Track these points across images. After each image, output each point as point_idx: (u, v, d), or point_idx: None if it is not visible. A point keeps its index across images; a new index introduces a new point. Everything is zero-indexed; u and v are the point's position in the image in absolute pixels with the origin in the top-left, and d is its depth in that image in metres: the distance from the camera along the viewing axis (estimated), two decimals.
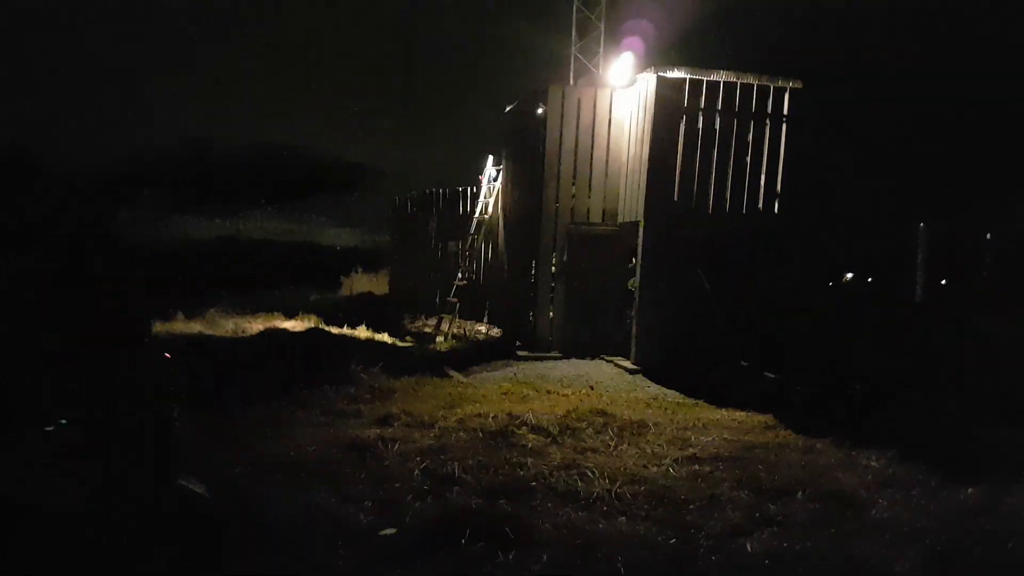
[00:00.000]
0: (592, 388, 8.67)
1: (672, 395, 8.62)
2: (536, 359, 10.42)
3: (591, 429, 6.38)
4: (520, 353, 10.57)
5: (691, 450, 5.89)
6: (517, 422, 6.36)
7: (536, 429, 6.19)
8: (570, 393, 8.24)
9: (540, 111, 10.74)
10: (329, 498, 4.52)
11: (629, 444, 6.07)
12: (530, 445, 5.74)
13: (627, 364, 9.93)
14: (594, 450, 5.82)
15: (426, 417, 6.60)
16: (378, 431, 6.08)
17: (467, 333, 13.64)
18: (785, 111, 9.80)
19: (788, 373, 9.87)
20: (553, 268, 10.89)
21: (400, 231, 16.80)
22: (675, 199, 9.72)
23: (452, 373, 9.47)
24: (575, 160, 10.59)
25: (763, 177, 9.87)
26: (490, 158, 13.35)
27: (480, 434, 5.99)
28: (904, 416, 7.62)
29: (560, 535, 4.02)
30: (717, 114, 9.71)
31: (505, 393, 8.03)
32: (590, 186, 10.67)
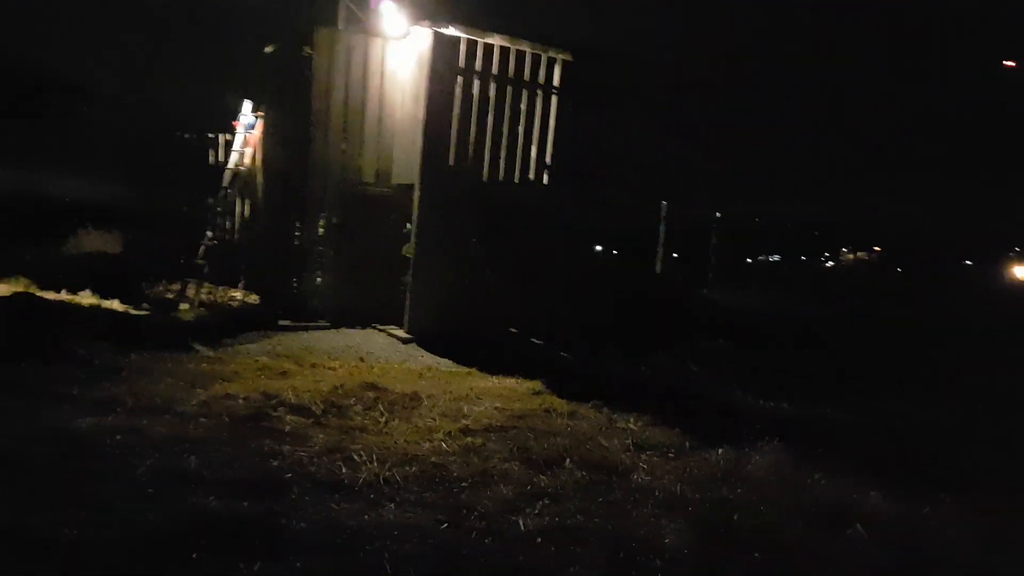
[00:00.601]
0: (363, 360, 8.14)
1: (446, 364, 8.42)
2: (301, 329, 9.58)
3: (360, 405, 5.89)
4: (282, 323, 9.64)
5: (464, 422, 5.68)
6: (274, 402, 5.65)
7: (296, 409, 5.54)
8: (338, 366, 7.63)
9: (307, 55, 9.72)
10: (26, 508, 3.53)
11: (401, 419, 5.70)
12: (288, 429, 5.09)
13: (401, 333, 9.53)
14: (362, 429, 5.35)
15: (160, 400, 5.59)
16: (95, 420, 4.98)
17: (219, 300, 12.19)
18: (556, 83, 9.94)
19: (552, 339, 10.24)
20: (321, 230, 10.05)
21: (146, 183, 14.54)
22: (450, 163, 9.43)
23: (198, 347, 8.31)
24: (346, 114, 9.80)
25: (534, 148, 9.95)
26: (247, 103, 11.91)
27: (227, 419, 5.19)
28: (656, 379, 8.23)
29: (318, 535, 3.51)
30: (492, 79, 9.54)
31: (262, 369, 7.18)
32: (362, 143, 9.96)
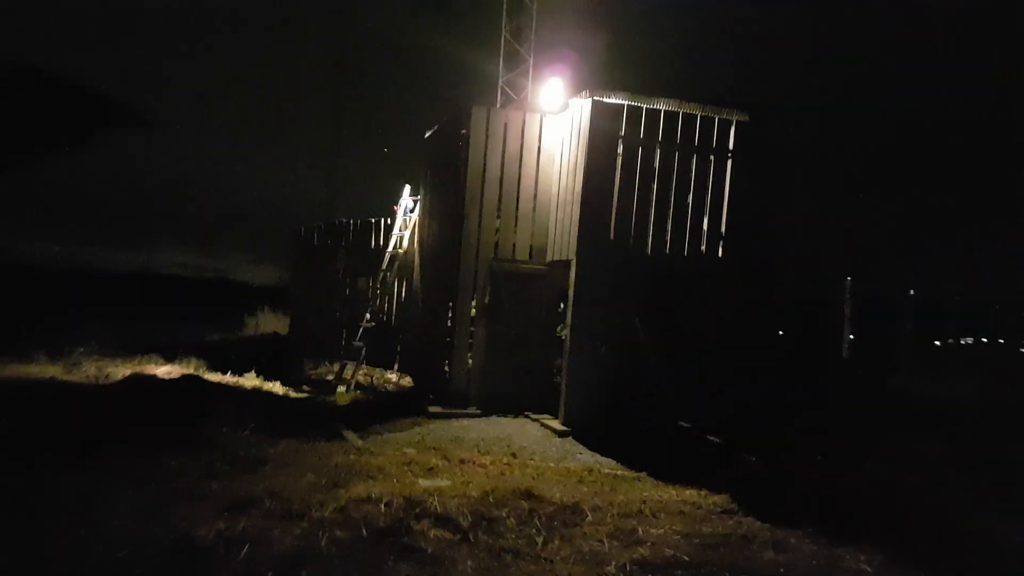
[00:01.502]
0: (515, 456, 7.29)
1: (608, 464, 7.34)
2: (450, 416, 8.97)
3: (513, 518, 4.98)
4: (432, 409, 9.09)
5: (640, 550, 4.58)
6: (417, 510, 4.89)
7: (441, 521, 4.73)
8: (488, 463, 6.83)
9: (462, 134, 9.52)
10: None
11: (561, 540, 4.71)
12: (431, 550, 4.28)
13: (555, 424, 8.61)
14: (516, 552, 4.42)
15: (297, 502, 5.03)
16: (224, 525, 4.48)
17: (375, 382, 12.05)
18: (730, 146, 8.94)
19: (731, 435, 8.83)
20: (473, 311, 9.55)
21: (304, 265, 15.12)
22: (611, 237, 8.63)
23: (348, 434, 7.89)
24: (500, 190, 9.39)
25: (706, 217, 8.92)
26: (407, 188, 12.02)
27: (365, 531, 4.49)
28: (877, 496, 6.60)
29: None
30: (657, 146, 8.74)
31: (408, 463, 6.53)
32: (516, 219, 9.47)
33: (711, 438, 8.92)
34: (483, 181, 9.33)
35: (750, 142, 8.98)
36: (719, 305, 8.95)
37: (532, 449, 7.70)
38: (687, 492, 6.39)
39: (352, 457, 6.75)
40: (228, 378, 11.52)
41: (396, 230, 11.99)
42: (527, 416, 9.22)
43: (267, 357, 13.88)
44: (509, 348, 9.51)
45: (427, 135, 11.36)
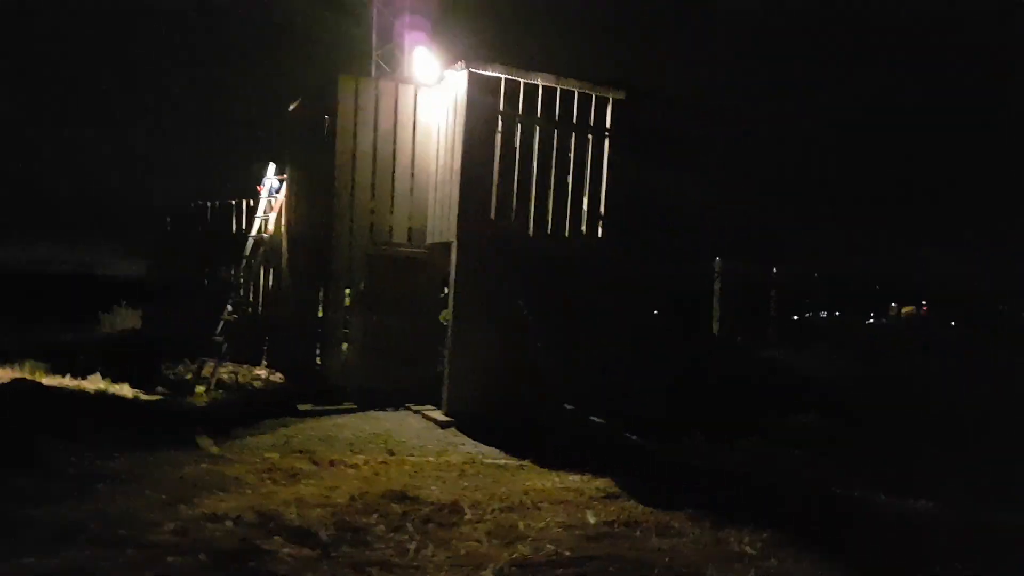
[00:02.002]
0: (392, 453, 6.76)
1: (492, 454, 6.98)
2: (323, 413, 8.29)
3: (383, 525, 4.49)
4: (302, 407, 8.37)
5: (520, 547, 4.22)
6: (271, 525, 4.29)
7: (298, 536, 4.16)
8: (361, 462, 6.27)
9: (330, 106, 8.79)
10: None
11: (436, 544, 4.27)
12: (283, 571, 3.70)
13: (438, 415, 8.16)
14: (384, 564, 3.93)
15: (129, 527, 4.27)
16: (39, 559, 3.69)
17: (240, 380, 11.05)
18: (607, 124, 8.78)
19: (613, 416, 8.75)
20: (348, 299, 8.88)
21: (160, 254, 13.72)
22: (492, 217, 8.24)
23: (202, 440, 7.05)
24: (374, 167, 8.76)
25: (586, 196, 8.73)
26: (271, 166, 11.07)
27: (205, 555, 3.83)
28: (756, 473, 6.63)
29: None
30: (536, 122, 8.43)
31: (269, 471, 5.85)
32: (393, 200, 8.88)
33: (594, 419, 8.80)
34: (354, 158, 8.65)
35: (627, 121, 8.86)
36: (600, 286, 8.81)
37: (412, 444, 7.20)
38: (570, 478, 6.16)
39: (204, 467, 5.97)
40: (68, 381, 10.18)
41: (260, 212, 11.02)
42: (408, 408, 8.71)
43: (118, 357, 12.49)
44: (389, 338, 8.94)
45: (291, 108, 10.48)
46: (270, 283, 11.71)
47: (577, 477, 6.17)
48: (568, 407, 9.16)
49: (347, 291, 8.87)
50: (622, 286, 8.96)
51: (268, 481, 5.56)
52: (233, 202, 12.05)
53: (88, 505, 4.74)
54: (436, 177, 8.75)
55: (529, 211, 8.41)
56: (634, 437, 7.85)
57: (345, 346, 8.86)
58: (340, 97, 8.61)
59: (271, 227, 11.11)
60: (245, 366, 12.07)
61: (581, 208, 8.71)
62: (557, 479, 6.13)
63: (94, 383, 10.39)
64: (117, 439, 6.72)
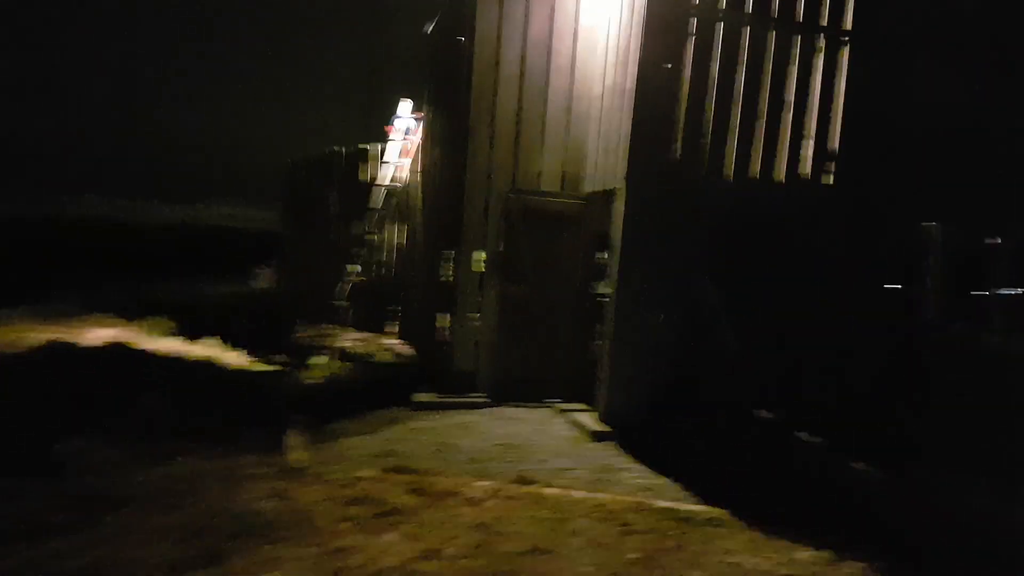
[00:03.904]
0: (526, 481, 4.83)
1: (668, 491, 4.84)
2: (445, 407, 6.58)
3: None
4: (420, 398, 6.71)
5: None
6: None
7: None
8: (483, 495, 4.42)
9: (467, 16, 6.86)
10: None
11: None
12: None
13: (591, 421, 6.14)
14: None
15: None
16: None
17: (369, 352, 9.72)
18: (848, 24, 6.11)
19: (826, 432, 6.28)
20: (483, 264, 7.05)
21: (293, 208, 12.79)
22: (676, 156, 5.96)
23: (291, 439, 5.56)
24: (520, 94, 6.75)
25: (813, 126, 6.16)
26: (406, 103, 9.46)
27: None
28: None
29: None
30: (744, 22, 5.96)
31: (357, 501, 4.17)
32: (543, 136, 6.85)
33: (804, 437, 6.35)
34: (496, 81, 6.70)
35: (877, 20, 6.13)
36: (824, 256, 6.27)
37: (554, 464, 5.24)
38: (797, 555, 3.92)
39: (275, 486, 4.41)
40: (178, 345, 9.35)
41: (390, 157, 9.48)
42: (552, 406, 6.79)
43: (246, 317, 11.72)
44: (531, 314, 7.02)
45: (427, 29, 8.71)
46: (405, 242, 10.23)
47: (808, 553, 3.93)
48: (765, 415, 6.78)
49: (483, 255, 7.03)
50: (851, 259, 6.35)
51: (347, 523, 3.85)
52: (367, 147, 10.63)
53: (82, 555, 3.29)
54: (601, 103, 6.57)
55: (728, 148, 6.02)
56: (864, 466, 5.37)
57: (478, 324, 7.05)
58: (481, 5, 6.64)
59: (405, 174, 9.56)
60: (376, 334, 10.80)
61: (804, 144, 6.16)
62: (775, 555, 3.91)
63: (207, 347, 9.50)
64: (190, 430, 5.40)
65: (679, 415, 6.24)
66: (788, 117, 6.06)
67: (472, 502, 4.31)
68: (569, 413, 6.48)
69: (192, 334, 10.05)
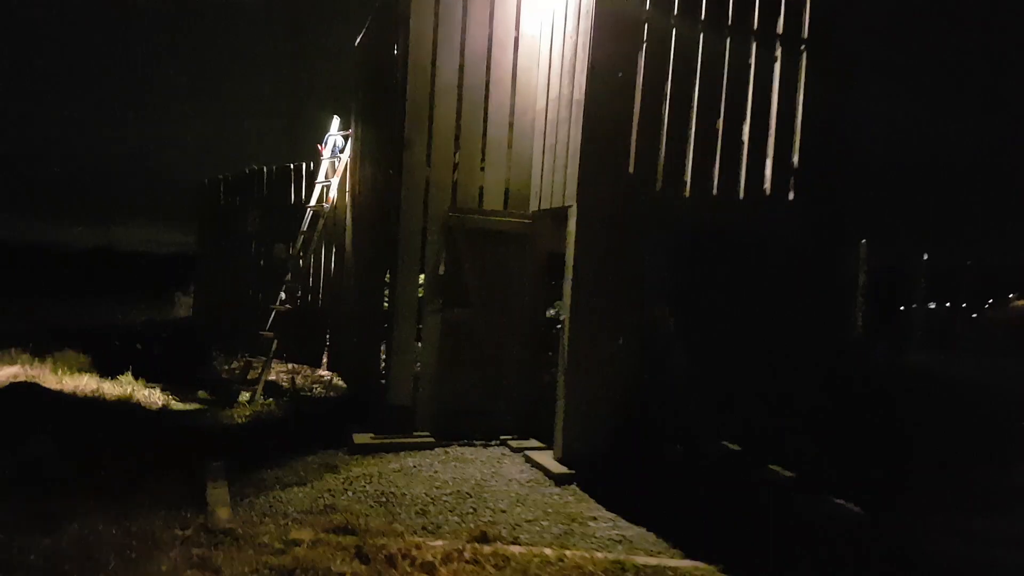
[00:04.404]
0: (486, 538, 4.25)
1: (645, 543, 4.36)
2: (386, 449, 5.93)
3: None
4: (359, 439, 6.03)
5: None
6: None
7: None
8: (437, 558, 3.82)
9: (402, 23, 6.33)
10: None
11: None
12: None
13: (548, 460, 5.63)
14: None
15: None
16: None
17: (298, 385, 8.96)
18: (805, 32, 5.93)
19: (799, 464, 6.00)
20: (421, 288, 6.47)
21: (210, 229, 11.83)
22: (629, 171, 5.58)
23: (213, 492, 4.81)
24: (459, 105, 6.25)
25: (771, 140, 5.92)
26: (335, 119, 8.82)
27: None
28: None
29: None
30: (699, 31, 5.68)
31: (291, 572, 3.51)
32: (484, 150, 6.36)
33: (777, 470, 6.04)
34: (432, 91, 6.17)
35: (833, 26, 5.98)
36: (786, 277, 6.02)
37: (515, 515, 4.69)
38: None
39: (193, 554, 3.70)
40: (91, 383, 8.34)
41: (321, 177, 8.81)
42: (504, 444, 6.24)
43: (170, 347, 10.71)
44: (475, 342, 6.48)
45: (358, 41, 8.12)
46: (331, 266, 9.52)
47: None
48: (731, 447, 6.47)
49: (421, 278, 6.46)
50: (814, 277, 6.13)
51: None
52: (291, 166, 9.89)
53: None
54: (546, 116, 6.15)
55: (685, 164, 5.70)
56: (854, 508, 5.07)
57: (416, 352, 6.46)
58: (415, 10, 6.12)
59: (333, 195, 8.88)
60: (305, 366, 10.02)
61: (763, 159, 5.91)
62: None
63: (121, 385, 8.52)
64: (81, 490, 4.59)
65: (641, 449, 5.83)
66: (746, 129, 5.79)
67: (428, 569, 3.72)
68: (523, 451, 5.95)
69: (106, 370, 9.07)
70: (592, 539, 4.40)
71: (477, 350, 6.47)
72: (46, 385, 7.74)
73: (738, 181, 5.85)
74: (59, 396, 7.38)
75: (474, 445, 6.19)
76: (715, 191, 5.71)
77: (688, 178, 5.73)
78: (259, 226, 10.44)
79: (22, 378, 8.27)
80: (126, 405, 7.56)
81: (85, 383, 8.27)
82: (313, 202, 8.93)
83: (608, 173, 5.50)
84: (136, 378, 8.86)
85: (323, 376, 9.51)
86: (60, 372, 8.86)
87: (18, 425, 5.92)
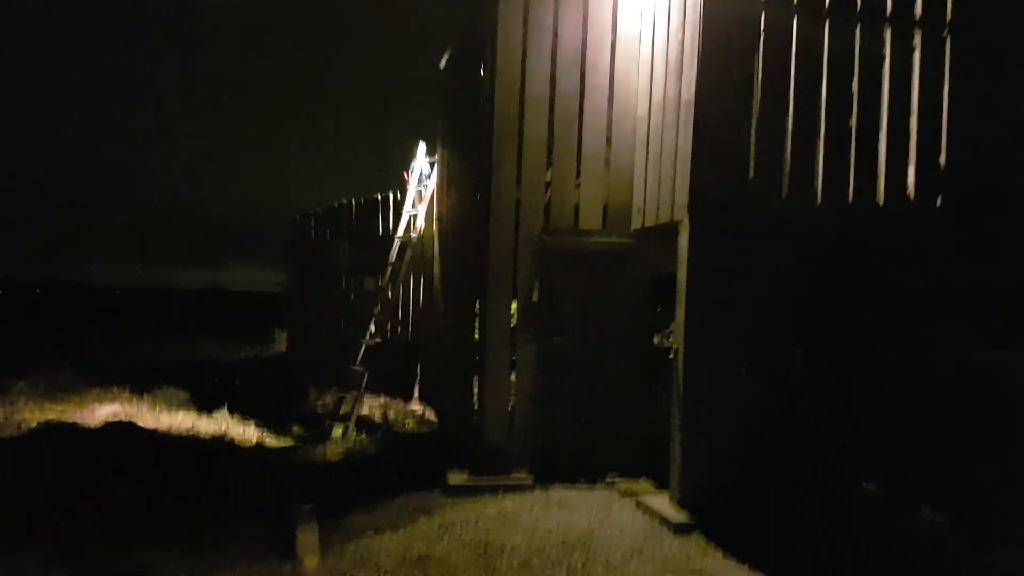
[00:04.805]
0: None
1: None
2: (482, 491, 5.44)
3: None
4: (453, 480, 5.58)
5: None
6: None
7: None
8: None
9: (486, 34, 6.01)
10: None
11: None
12: None
13: (664, 506, 4.98)
14: None
15: None
16: None
17: (390, 419, 8.66)
18: (948, 14, 5.17)
19: (958, 514, 5.07)
20: (514, 318, 6.02)
21: (302, 264, 11.90)
22: (749, 178, 4.96)
23: (303, 540, 4.46)
24: (551, 117, 5.82)
25: (913, 140, 5.15)
26: (421, 146, 8.62)
27: None
28: None
29: None
30: (825, 21, 5.05)
31: None
32: (579, 165, 5.89)
33: (928, 516, 5.14)
34: (521, 106, 5.78)
35: (982, 7, 5.19)
36: (936, 298, 5.18)
37: (626, 571, 4.08)
38: None
39: None
40: (187, 420, 8.35)
41: (407, 206, 8.60)
42: (611, 485, 5.63)
43: (269, 383, 10.78)
44: (575, 373, 5.94)
45: (443, 63, 7.91)
46: (422, 298, 9.25)
47: None
48: (870, 488, 5.60)
49: (513, 305, 6.01)
50: (968, 299, 5.25)
51: None
52: (379, 197, 9.77)
53: None
54: (649, 122, 5.63)
55: (814, 169, 5.02)
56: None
57: (512, 386, 5.97)
58: (500, 15, 5.78)
59: (420, 224, 8.65)
60: (397, 399, 9.74)
61: (905, 163, 5.15)
62: None
63: (216, 422, 8.49)
64: (170, 537, 4.33)
65: (769, 493, 5.09)
66: (884, 128, 5.06)
67: None
68: (634, 495, 5.32)
69: (204, 406, 9.14)
70: None
71: (577, 382, 5.93)
72: (142, 424, 7.76)
73: (876, 187, 5.10)
74: (153, 435, 7.35)
75: (577, 486, 5.61)
76: (848, 198, 4.99)
77: (819, 184, 5.04)
78: (349, 259, 10.37)
79: (121, 416, 8.36)
80: (220, 443, 7.44)
81: (180, 420, 8.27)
82: (400, 232, 8.73)
83: (724, 182, 4.91)
84: (232, 414, 8.83)
85: (414, 410, 9.20)
86: (158, 409, 8.96)
87: (109, 467, 5.83)
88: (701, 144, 4.87)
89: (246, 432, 8.11)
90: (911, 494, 5.37)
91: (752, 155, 4.91)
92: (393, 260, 8.63)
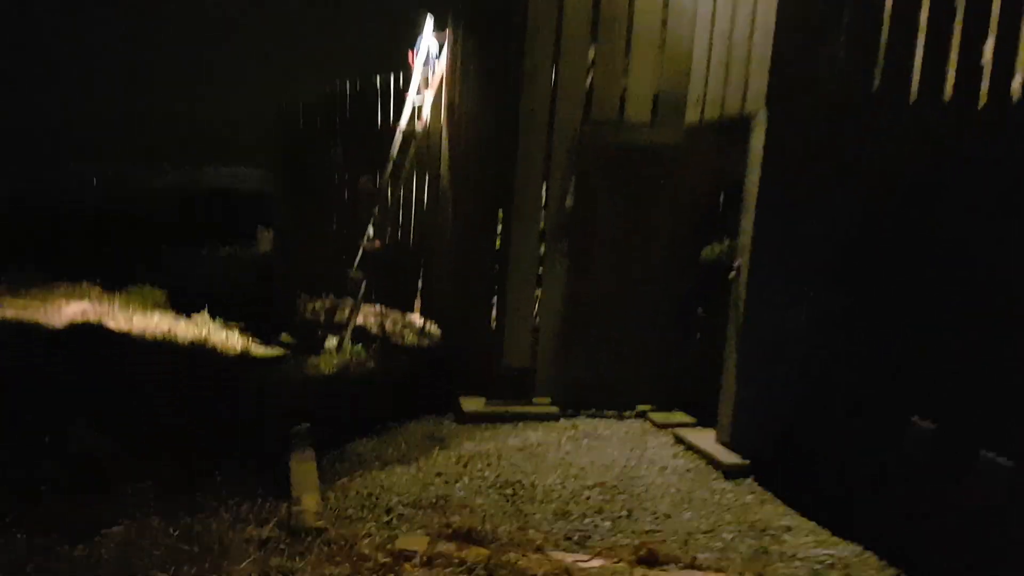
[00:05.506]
0: (655, 560, 3.10)
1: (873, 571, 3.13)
2: (501, 419, 4.85)
3: None
4: (468, 407, 4.97)
5: None
6: None
7: None
8: None
9: None
10: None
11: None
12: None
13: (709, 444, 4.41)
14: None
15: None
16: None
17: (388, 330, 8.01)
18: None
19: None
20: (543, 222, 5.24)
21: (289, 157, 10.90)
22: (839, 57, 4.08)
23: (299, 474, 3.85)
24: None
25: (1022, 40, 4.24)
26: (428, 18, 7.53)
27: None
28: None
29: None
30: None
31: None
32: (629, 45, 4.96)
33: (991, 457, 4.62)
34: None
35: None
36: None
37: (683, 524, 3.52)
38: None
39: (267, 566, 2.73)
40: (164, 323, 7.66)
41: (412, 92, 7.60)
42: (643, 416, 5.05)
43: (246, 288, 10.05)
44: (610, 292, 5.24)
45: None
46: (426, 199, 8.40)
47: None
48: (925, 426, 5.05)
49: (542, 211, 5.21)
50: None
51: None
52: (377, 80, 8.70)
53: None
54: None
55: (912, 51, 4.13)
56: None
57: (535, 303, 5.28)
58: None
59: (426, 114, 7.68)
60: (395, 311, 9.05)
61: (1014, 48, 4.26)
62: None
63: (196, 326, 7.81)
64: (143, 471, 3.70)
65: (825, 433, 4.53)
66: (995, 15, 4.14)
67: None
68: (670, 428, 4.75)
69: (183, 308, 8.46)
70: (796, 562, 3.19)
71: (611, 301, 5.23)
72: (112, 326, 7.04)
73: (978, 82, 4.24)
74: (124, 339, 6.66)
75: (606, 417, 5.04)
76: (966, 87, 4.13)
77: (916, 76, 4.17)
78: (342, 154, 9.40)
79: (89, 315, 7.65)
80: (200, 350, 6.79)
81: (156, 323, 7.58)
82: (403, 123, 7.77)
83: (812, 66, 4.03)
84: (213, 317, 8.16)
85: (415, 322, 8.55)
86: (131, 309, 8.26)
87: (75, 378, 5.15)
88: (786, 14, 3.95)
89: (229, 339, 7.46)
90: (969, 432, 4.85)
91: (842, 32, 4.01)
92: (395, 155, 7.72)
